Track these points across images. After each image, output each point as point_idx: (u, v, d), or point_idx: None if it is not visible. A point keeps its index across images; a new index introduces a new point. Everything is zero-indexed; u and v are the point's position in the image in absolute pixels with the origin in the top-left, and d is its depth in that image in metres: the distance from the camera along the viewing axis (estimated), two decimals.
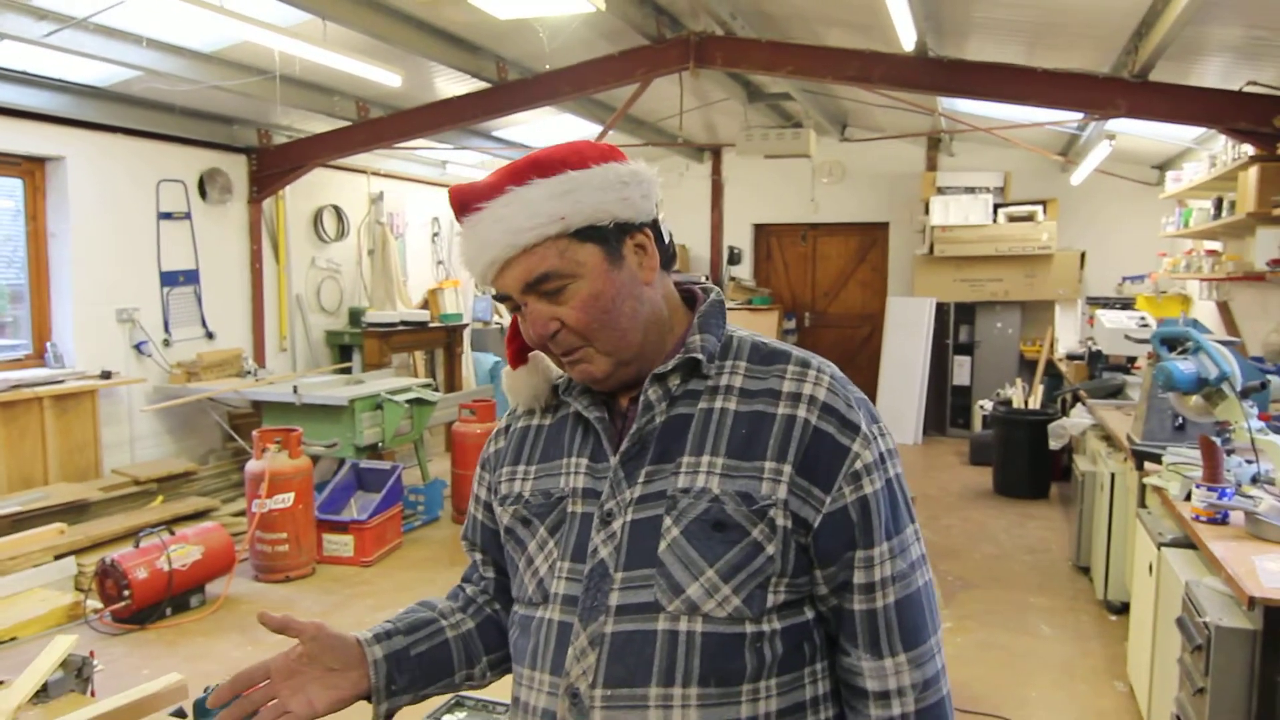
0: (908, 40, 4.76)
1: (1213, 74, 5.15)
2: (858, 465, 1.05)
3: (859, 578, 1.05)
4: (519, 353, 1.19)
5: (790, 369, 1.09)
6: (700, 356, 1.09)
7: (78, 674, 1.73)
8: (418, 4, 4.95)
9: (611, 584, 1.05)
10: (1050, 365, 8.38)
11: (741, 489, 1.03)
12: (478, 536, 1.30)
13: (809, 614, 1.07)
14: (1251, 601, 2.25)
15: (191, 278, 6.59)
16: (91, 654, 1.75)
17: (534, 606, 1.12)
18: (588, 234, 1.05)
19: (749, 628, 1.02)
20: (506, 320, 10.39)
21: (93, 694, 1.77)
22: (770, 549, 1.03)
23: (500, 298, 1.11)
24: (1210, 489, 2.86)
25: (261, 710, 1.11)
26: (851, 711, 1.08)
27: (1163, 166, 8.08)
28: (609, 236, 1.07)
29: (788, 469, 1.03)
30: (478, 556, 1.32)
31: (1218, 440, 3.01)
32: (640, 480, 1.07)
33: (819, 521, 1.04)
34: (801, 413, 1.06)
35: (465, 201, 1.08)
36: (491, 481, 1.25)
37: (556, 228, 1.04)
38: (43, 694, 1.67)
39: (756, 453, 1.04)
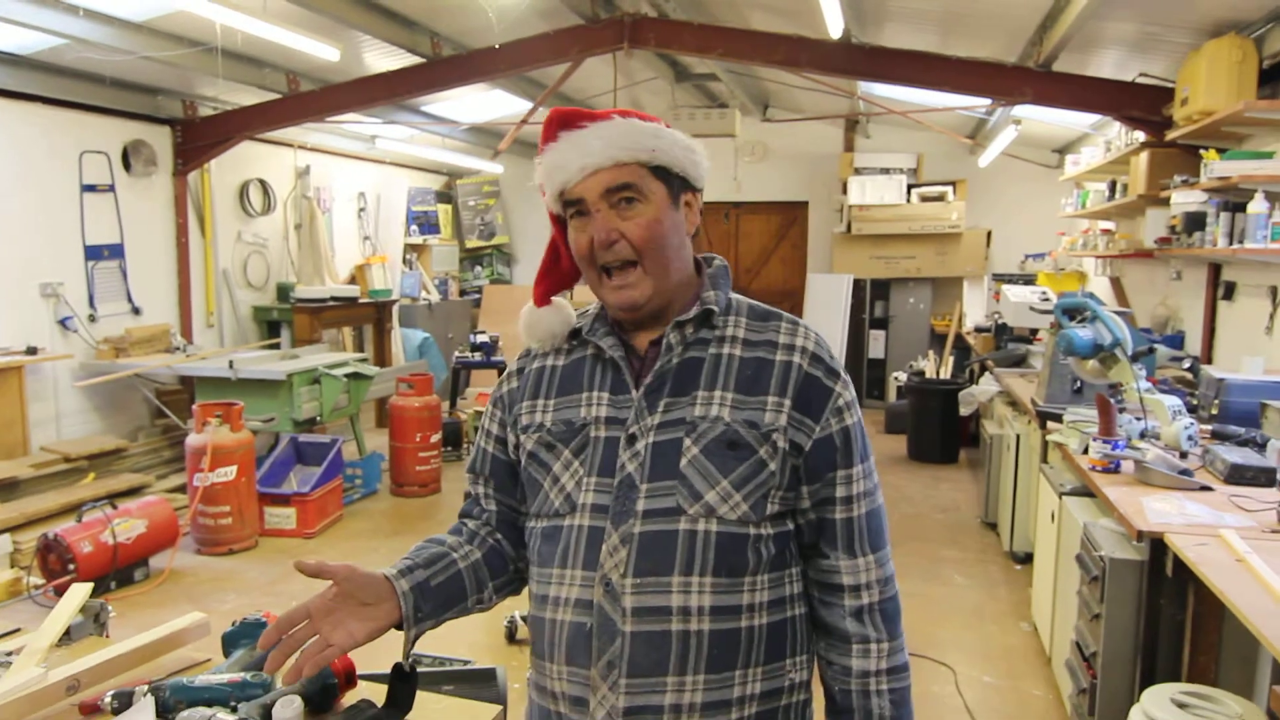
0: (835, 28, 5.01)
1: (1109, 65, 5.56)
2: (840, 403, 1.30)
3: (840, 492, 1.29)
4: (545, 293, 1.39)
5: (784, 325, 1.34)
6: (714, 308, 1.32)
7: (95, 619, 1.85)
8: None
9: (638, 493, 1.25)
10: (959, 338, 8.86)
11: (748, 418, 1.26)
12: (486, 468, 1.46)
13: (790, 526, 1.31)
14: (1140, 535, 2.58)
15: (116, 252, 6.48)
16: (106, 600, 1.86)
17: (560, 517, 1.31)
18: (662, 174, 1.28)
19: (752, 530, 1.26)
20: (434, 297, 10.40)
21: (106, 637, 1.88)
22: (772, 465, 1.26)
23: (570, 203, 1.29)
24: (1105, 442, 3.21)
25: (308, 645, 1.24)
26: (826, 607, 1.32)
27: (1062, 150, 8.59)
28: (675, 183, 1.29)
29: (787, 403, 1.27)
30: (481, 489, 1.47)
31: (1112, 399, 3.36)
32: (660, 410, 1.28)
33: (810, 446, 1.28)
34: (796, 359, 1.30)
35: (570, 120, 1.28)
36: (505, 417, 1.42)
37: (646, 156, 1.26)
38: (65, 638, 1.79)
39: (760, 389, 1.27)
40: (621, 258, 1.27)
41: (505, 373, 1.47)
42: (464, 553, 1.42)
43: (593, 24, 5.99)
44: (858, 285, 9.53)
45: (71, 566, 4.32)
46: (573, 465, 1.31)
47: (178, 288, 7.08)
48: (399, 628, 1.33)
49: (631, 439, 1.27)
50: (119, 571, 4.53)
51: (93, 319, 6.27)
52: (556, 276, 1.38)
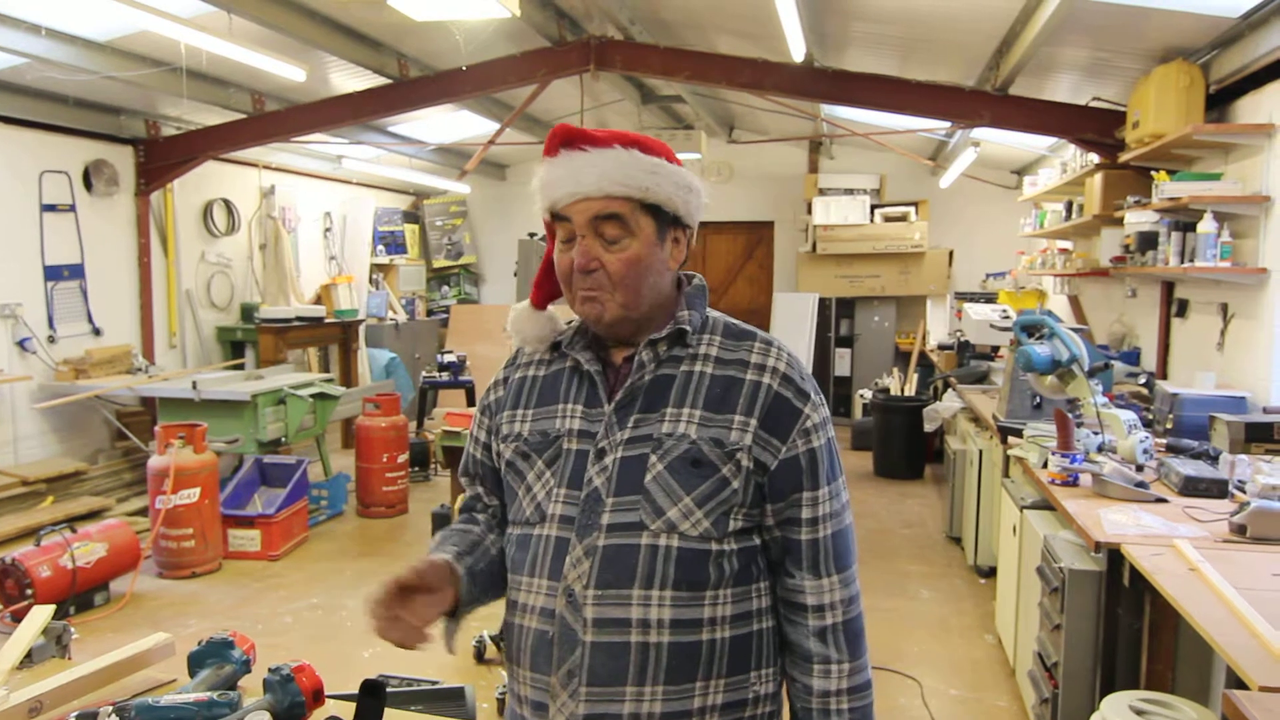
0: (797, 51, 5.10)
1: (1064, 90, 5.71)
2: (808, 424, 1.32)
3: (805, 514, 1.31)
4: (542, 298, 1.42)
5: (757, 345, 1.35)
6: (688, 328, 1.34)
7: (57, 641, 1.83)
8: (330, 1, 4.99)
9: (604, 507, 1.28)
10: (923, 355, 8.98)
11: (714, 436, 1.28)
12: (478, 472, 1.49)
13: (756, 541, 1.33)
14: (1097, 546, 2.64)
15: (77, 272, 6.39)
16: (69, 622, 1.84)
17: (531, 525, 1.34)
18: (653, 210, 1.29)
19: (713, 546, 1.28)
20: (401, 317, 10.33)
21: (68, 658, 1.86)
22: (735, 484, 1.28)
23: (558, 218, 1.30)
24: (1063, 456, 3.28)
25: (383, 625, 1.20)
26: (791, 625, 1.34)
27: (1020, 172, 8.78)
28: (665, 221, 1.31)
29: (753, 422, 1.29)
30: (479, 489, 1.50)
31: (1070, 414, 3.43)
32: (629, 425, 1.30)
33: (775, 465, 1.30)
34: (766, 379, 1.31)
35: (572, 139, 1.29)
36: (491, 424, 1.45)
37: (638, 193, 1.27)
38: (27, 660, 1.76)
39: (728, 408, 1.29)
40: (595, 284, 1.29)
41: (493, 381, 1.49)
42: (491, 540, 1.43)
43: (560, 46, 6.04)
44: (823, 304, 9.62)
45: (29, 591, 4.23)
46: (545, 475, 1.34)
47: (139, 308, 6.99)
48: (452, 614, 1.32)
49: (600, 453, 1.30)
50: (78, 596, 4.44)
51: (52, 340, 6.17)
52: (552, 283, 1.40)
